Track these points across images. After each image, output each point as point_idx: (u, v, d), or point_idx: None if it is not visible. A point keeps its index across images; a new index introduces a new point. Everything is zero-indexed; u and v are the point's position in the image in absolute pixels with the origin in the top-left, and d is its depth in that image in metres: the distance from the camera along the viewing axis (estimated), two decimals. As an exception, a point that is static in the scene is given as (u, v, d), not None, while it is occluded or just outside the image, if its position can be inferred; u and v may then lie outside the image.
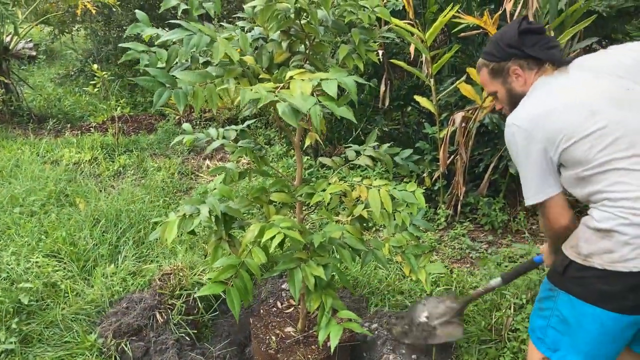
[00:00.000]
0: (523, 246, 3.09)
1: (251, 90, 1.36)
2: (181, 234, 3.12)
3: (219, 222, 1.84)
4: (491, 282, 2.19)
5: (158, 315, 2.30)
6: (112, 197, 3.67)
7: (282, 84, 1.43)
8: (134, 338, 2.23)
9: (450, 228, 3.69)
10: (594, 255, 1.44)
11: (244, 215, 1.95)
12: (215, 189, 1.85)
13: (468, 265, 3.26)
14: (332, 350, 1.66)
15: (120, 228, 3.18)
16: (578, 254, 1.48)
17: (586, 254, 1.45)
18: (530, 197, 1.55)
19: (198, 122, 5.69)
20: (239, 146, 2.00)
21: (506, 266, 3.00)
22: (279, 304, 2.51)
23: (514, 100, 1.65)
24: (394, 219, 2.02)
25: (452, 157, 3.72)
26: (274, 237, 1.59)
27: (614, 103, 1.47)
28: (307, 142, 1.94)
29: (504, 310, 2.36)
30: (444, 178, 3.80)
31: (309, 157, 4.44)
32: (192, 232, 1.94)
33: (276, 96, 1.34)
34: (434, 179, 3.87)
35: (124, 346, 2.18)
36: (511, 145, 1.56)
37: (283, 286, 2.86)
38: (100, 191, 3.90)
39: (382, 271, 3.03)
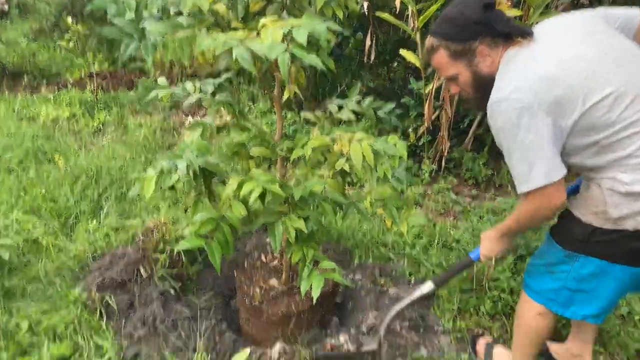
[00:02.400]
0: (507, 200, 3.12)
1: (211, 38, 1.31)
2: (162, 190, 3.10)
3: (197, 177, 1.81)
4: (421, 287, 1.96)
5: (142, 270, 2.31)
6: (92, 154, 3.61)
7: (254, 32, 1.38)
8: (118, 291, 2.24)
9: (434, 182, 3.72)
10: (626, 218, 1.41)
11: (225, 170, 1.93)
12: (192, 143, 1.82)
13: (451, 219, 3.30)
14: (314, 300, 1.68)
15: (102, 185, 3.14)
16: (606, 219, 1.44)
17: (616, 217, 1.42)
18: (536, 178, 1.40)
19: (179, 78, 5.56)
20: (217, 100, 1.95)
21: (489, 219, 3.04)
22: (263, 257, 2.53)
23: (480, 83, 1.56)
24: (376, 172, 2.03)
25: (437, 112, 3.69)
26: (252, 190, 1.58)
27: (612, 61, 1.39)
28: (286, 95, 1.89)
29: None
30: (429, 133, 3.79)
31: (293, 113, 4.38)
32: (172, 188, 1.92)
33: (239, 44, 1.29)
34: (418, 134, 3.86)
35: (108, 299, 2.19)
36: (506, 124, 1.41)
37: (268, 240, 2.87)
38: (80, 148, 3.83)
39: (366, 225, 3.06)
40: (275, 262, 2.51)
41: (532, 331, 1.77)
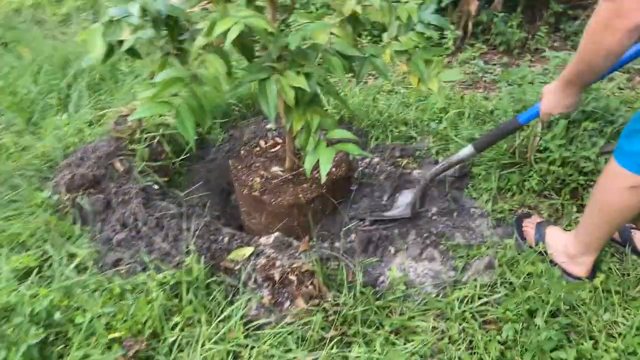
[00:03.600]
0: (557, 54, 2.58)
1: None
2: (137, 76, 2.64)
3: (159, 26, 1.34)
4: (459, 152, 1.80)
5: (117, 164, 1.92)
6: (59, 42, 3.10)
7: None
8: (91, 191, 1.88)
9: (459, 52, 3.18)
10: None
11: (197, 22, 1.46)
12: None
13: (481, 90, 2.82)
14: (322, 178, 1.28)
15: (70, 74, 2.67)
16: None
17: None
18: None
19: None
20: None
21: (527, 86, 2.55)
22: (262, 143, 2.13)
23: None
24: (397, 16, 1.54)
25: (463, -37, 3.05)
26: (229, 29, 1.12)
27: None
28: None
29: (530, 129, 1.97)
30: (453, -9, 3.19)
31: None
32: (133, 53, 1.47)
33: None
34: (440, -7, 3.24)
35: (80, 200, 1.83)
36: None
37: (268, 126, 2.45)
38: (48, 38, 3.31)
39: (382, 102, 2.60)
40: (277, 147, 2.11)
41: (616, 209, 1.38)
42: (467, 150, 1.78)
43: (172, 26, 1.39)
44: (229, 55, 1.27)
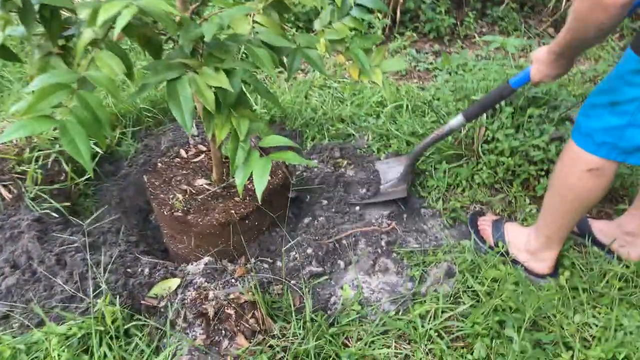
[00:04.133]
0: (494, 37, 2.49)
1: None
2: (28, 83, 2.24)
3: (29, 18, 1.04)
4: (450, 122, 1.66)
5: (2, 190, 1.57)
6: None
7: None
8: (-30, 227, 1.52)
9: (389, 41, 3.04)
10: None
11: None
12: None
13: (416, 80, 2.69)
14: (259, 198, 1.05)
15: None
16: None
17: None
18: None
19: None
20: None
21: (463, 70, 2.45)
22: (183, 152, 1.85)
23: None
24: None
25: (386, -52, 2.91)
26: (118, 14, 0.85)
27: None
28: None
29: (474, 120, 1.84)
30: (377, -21, 3.04)
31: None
32: (8, 54, 1.16)
33: None
34: (364, -19, 3.08)
35: (-45, 241, 1.48)
36: None
37: (191, 132, 2.16)
38: None
39: (315, 98, 2.40)
40: (202, 156, 1.84)
41: (577, 195, 1.27)
42: (457, 119, 1.64)
43: (49, 19, 1.09)
44: (126, 52, 1.00)
